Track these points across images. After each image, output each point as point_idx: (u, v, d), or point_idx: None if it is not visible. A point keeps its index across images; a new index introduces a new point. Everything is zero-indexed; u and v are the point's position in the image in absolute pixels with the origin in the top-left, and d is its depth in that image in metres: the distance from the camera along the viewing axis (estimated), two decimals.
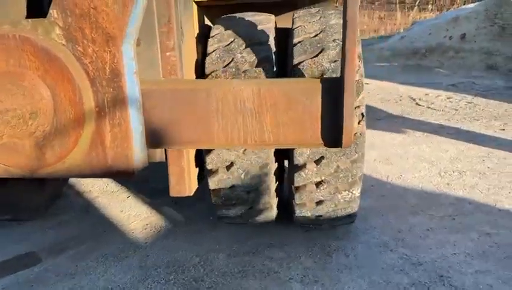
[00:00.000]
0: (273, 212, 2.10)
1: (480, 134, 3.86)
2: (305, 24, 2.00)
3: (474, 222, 2.34)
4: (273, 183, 1.99)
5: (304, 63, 1.83)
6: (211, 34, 2.01)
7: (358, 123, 1.78)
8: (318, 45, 1.85)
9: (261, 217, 2.12)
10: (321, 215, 2.02)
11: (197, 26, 2.25)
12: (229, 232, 2.32)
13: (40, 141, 1.46)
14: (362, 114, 1.78)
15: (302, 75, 1.82)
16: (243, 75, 1.84)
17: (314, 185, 1.89)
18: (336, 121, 1.56)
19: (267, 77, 1.82)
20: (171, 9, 1.70)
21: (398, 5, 16.01)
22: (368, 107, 5.07)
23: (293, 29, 1.98)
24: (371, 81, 6.48)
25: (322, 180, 1.86)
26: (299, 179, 1.87)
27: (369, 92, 5.87)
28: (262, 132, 1.66)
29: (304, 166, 1.85)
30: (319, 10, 2.11)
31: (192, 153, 1.88)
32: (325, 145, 1.66)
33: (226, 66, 1.86)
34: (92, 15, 1.37)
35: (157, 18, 1.71)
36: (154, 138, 1.68)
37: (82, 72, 1.43)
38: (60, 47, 1.40)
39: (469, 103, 4.98)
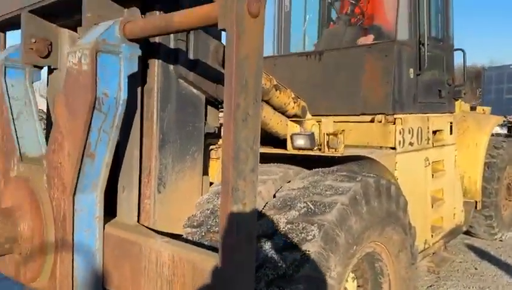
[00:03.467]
0: None
1: None
2: (297, 179, 1.89)
3: None
4: None
5: (267, 218, 1.72)
6: None
7: None
8: (288, 203, 1.71)
9: None
10: None
11: None
12: None
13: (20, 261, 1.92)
14: None
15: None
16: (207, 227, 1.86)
17: None
18: None
19: None
20: (152, 163, 1.98)
21: None
22: None
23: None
24: None
25: None
26: None
27: None
28: None
29: None
30: (331, 170, 1.94)
31: None
32: None
33: (206, 209, 1.93)
34: (57, 168, 1.80)
35: (141, 169, 2.02)
36: (103, 278, 1.89)
37: (51, 212, 1.85)
38: (44, 190, 1.88)
39: None
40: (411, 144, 2.73)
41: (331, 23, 3.62)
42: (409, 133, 2.70)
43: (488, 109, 5.65)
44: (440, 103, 3.26)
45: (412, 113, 2.80)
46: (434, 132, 3.14)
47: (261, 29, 1.31)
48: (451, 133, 3.42)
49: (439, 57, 3.28)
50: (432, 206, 2.99)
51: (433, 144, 3.05)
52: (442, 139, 3.26)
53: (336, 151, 2.00)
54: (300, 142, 2.06)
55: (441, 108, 3.29)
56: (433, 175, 3.02)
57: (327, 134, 1.99)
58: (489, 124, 4.66)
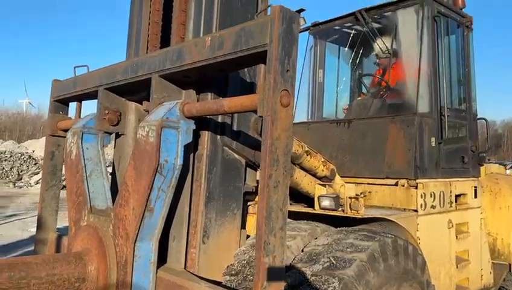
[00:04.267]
0: None
1: None
2: (322, 236, 2.14)
3: None
4: None
5: (294, 270, 1.97)
6: None
7: None
8: (313, 257, 1.96)
9: None
10: None
11: None
12: None
13: None
14: None
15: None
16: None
17: None
18: None
19: None
20: (198, 217, 2.31)
21: None
22: None
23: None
24: None
25: None
26: None
27: None
28: None
29: None
30: (353, 229, 2.19)
31: None
32: None
33: (242, 259, 2.20)
34: (122, 220, 2.16)
35: (189, 222, 2.34)
36: None
37: (114, 257, 2.18)
38: (110, 237, 2.23)
39: None
40: (433, 207, 2.92)
41: (361, 94, 3.96)
42: (431, 196, 2.90)
43: None
44: (464, 169, 3.45)
45: (434, 178, 3.02)
46: (458, 196, 3.31)
47: (290, 116, 1.65)
48: (475, 197, 3.56)
49: (462, 125, 3.51)
50: (457, 267, 3.10)
51: (456, 207, 3.21)
52: (465, 203, 3.41)
53: (357, 213, 2.25)
54: (326, 203, 2.34)
55: (465, 173, 3.46)
56: (457, 236, 3.15)
57: (349, 197, 2.26)
58: None
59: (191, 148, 2.26)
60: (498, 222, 4.33)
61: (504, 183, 4.62)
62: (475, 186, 3.57)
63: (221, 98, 2.21)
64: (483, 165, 3.88)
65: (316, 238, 2.19)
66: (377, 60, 3.62)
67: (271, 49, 1.61)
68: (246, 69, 2.46)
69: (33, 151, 23.67)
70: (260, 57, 1.69)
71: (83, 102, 3.06)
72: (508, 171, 5.94)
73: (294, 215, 2.65)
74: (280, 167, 1.63)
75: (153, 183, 2.01)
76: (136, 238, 2.06)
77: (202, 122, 2.30)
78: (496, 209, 4.36)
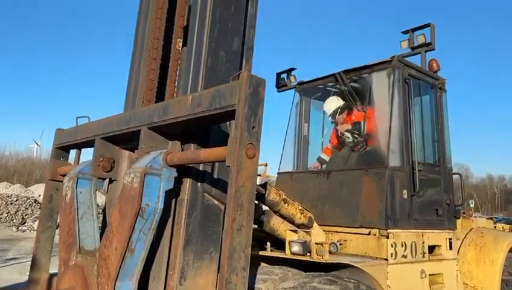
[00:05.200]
0: None
1: None
2: (290, 280, 2.26)
3: None
4: None
5: None
6: None
7: None
8: None
9: None
10: None
11: None
12: None
13: None
14: None
15: None
16: None
17: None
18: None
19: None
20: (177, 259, 2.44)
21: None
22: None
23: None
24: None
25: None
26: None
27: None
28: None
29: None
30: (319, 274, 2.31)
31: None
32: None
33: None
34: (105, 259, 2.29)
35: (167, 265, 2.47)
36: None
37: None
38: (94, 276, 2.35)
39: None
40: (404, 256, 3.02)
41: (341, 147, 4.17)
42: (402, 246, 3.00)
43: (508, 226, 5.75)
44: (438, 221, 3.56)
45: (406, 229, 3.14)
46: (432, 247, 3.40)
47: (255, 166, 1.84)
48: (450, 249, 3.64)
49: (436, 179, 3.67)
50: None
51: (429, 257, 3.30)
52: (440, 254, 3.49)
53: (322, 257, 2.37)
54: (295, 248, 2.47)
55: (439, 225, 3.57)
56: (431, 287, 3.21)
57: (316, 243, 2.40)
58: (505, 241, 4.76)
59: (172, 194, 2.43)
60: (483, 276, 4.36)
61: (489, 237, 4.69)
62: (450, 238, 3.66)
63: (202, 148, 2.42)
64: (459, 218, 3.98)
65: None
66: (354, 117, 3.86)
67: (238, 109, 1.84)
68: (227, 123, 2.68)
69: (39, 195, 23.77)
70: (231, 115, 1.91)
71: (84, 149, 3.28)
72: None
73: (270, 261, 2.76)
74: (244, 211, 1.80)
75: (134, 225, 2.16)
76: (117, 277, 2.19)
77: (184, 170, 2.49)
78: (481, 263, 4.40)
